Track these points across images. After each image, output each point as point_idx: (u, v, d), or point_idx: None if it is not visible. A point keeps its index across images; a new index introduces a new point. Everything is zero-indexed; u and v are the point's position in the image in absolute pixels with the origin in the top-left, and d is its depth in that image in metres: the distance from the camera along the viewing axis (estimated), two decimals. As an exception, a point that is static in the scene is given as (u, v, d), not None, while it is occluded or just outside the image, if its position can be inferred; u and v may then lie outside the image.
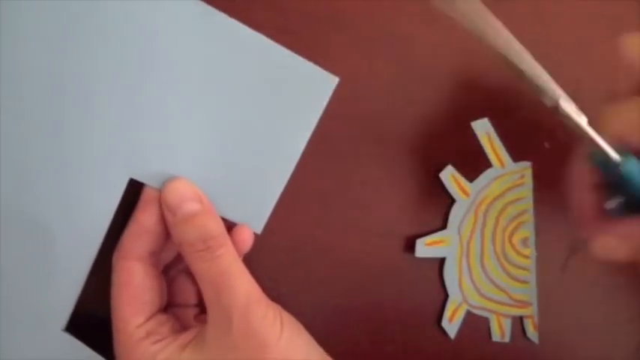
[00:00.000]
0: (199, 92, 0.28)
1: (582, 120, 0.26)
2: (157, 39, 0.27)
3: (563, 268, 0.37)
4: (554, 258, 0.37)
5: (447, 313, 0.35)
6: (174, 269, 0.30)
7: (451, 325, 0.35)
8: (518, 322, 0.36)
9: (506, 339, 0.36)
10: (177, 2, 0.27)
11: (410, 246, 0.34)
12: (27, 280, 0.27)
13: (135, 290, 0.27)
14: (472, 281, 0.35)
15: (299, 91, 0.29)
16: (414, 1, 0.33)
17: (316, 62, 0.30)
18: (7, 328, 0.27)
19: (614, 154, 0.26)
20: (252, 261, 0.31)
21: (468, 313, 0.35)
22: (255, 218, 0.29)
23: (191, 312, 0.30)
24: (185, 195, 0.27)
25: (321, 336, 0.29)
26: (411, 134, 0.33)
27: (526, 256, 0.36)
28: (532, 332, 0.36)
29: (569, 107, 0.26)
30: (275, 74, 0.28)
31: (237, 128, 0.28)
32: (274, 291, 0.32)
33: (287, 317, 0.27)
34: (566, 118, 0.26)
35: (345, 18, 0.32)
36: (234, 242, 0.28)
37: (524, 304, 0.36)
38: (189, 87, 0.28)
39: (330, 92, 0.29)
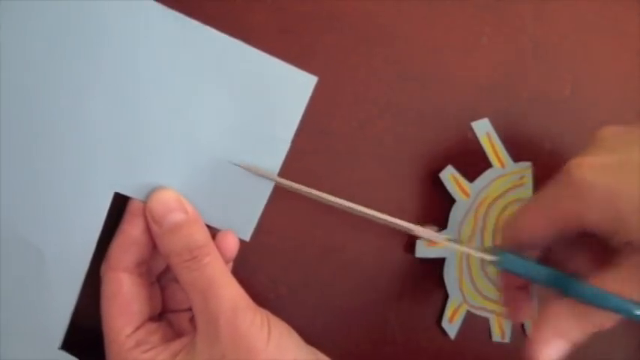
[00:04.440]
0: (181, 102, 0.28)
1: (443, 237, 0.30)
2: (136, 53, 0.27)
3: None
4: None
5: (447, 313, 0.35)
6: (166, 277, 0.30)
7: (451, 325, 0.35)
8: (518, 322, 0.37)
9: (506, 339, 0.36)
10: (153, 14, 0.27)
11: (410, 246, 0.34)
12: (21, 300, 0.27)
13: (123, 300, 0.27)
14: (472, 281, 0.35)
15: (279, 93, 0.29)
16: (414, 1, 0.33)
17: (315, 62, 0.30)
18: (4, 349, 0.27)
19: (488, 257, 0.29)
20: (252, 261, 0.31)
21: (468, 313, 0.35)
22: (243, 225, 0.30)
23: (186, 316, 0.30)
24: (170, 205, 0.27)
25: (321, 336, 0.29)
26: (411, 134, 0.33)
27: (526, 256, 0.36)
28: (532, 332, 0.36)
29: (426, 234, 0.30)
30: (254, 78, 0.29)
31: (220, 135, 0.29)
32: (274, 291, 0.33)
33: (275, 322, 0.27)
34: (430, 240, 0.30)
35: (345, 18, 0.32)
36: (219, 249, 0.28)
37: (524, 304, 0.36)
38: (170, 98, 0.28)
39: (309, 92, 0.29)
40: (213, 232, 0.28)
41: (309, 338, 0.29)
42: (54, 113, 0.27)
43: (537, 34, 0.35)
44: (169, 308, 0.30)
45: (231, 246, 0.28)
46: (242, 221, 0.29)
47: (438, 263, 0.35)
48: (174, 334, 0.29)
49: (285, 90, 0.29)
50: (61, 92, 0.26)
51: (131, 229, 0.27)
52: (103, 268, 0.28)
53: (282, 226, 0.32)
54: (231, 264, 0.30)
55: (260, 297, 0.28)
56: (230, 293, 0.26)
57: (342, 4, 0.32)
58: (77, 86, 0.27)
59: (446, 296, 0.35)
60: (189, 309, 0.30)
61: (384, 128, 0.33)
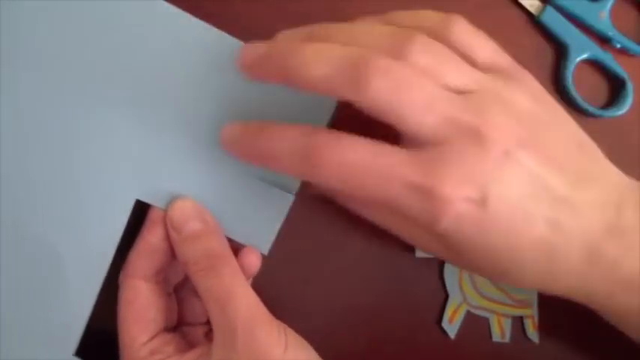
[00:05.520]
0: (205, 112, 0.28)
1: None
2: (156, 60, 0.27)
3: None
4: (554, 258, 0.37)
5: (447, 313, 0.35)
6: (184, 288, 0.31)
7: (451, 325, 0.35)
8: (519, 322, 0.36)
9: (506, 339, 0.36)
10: (167, 19, 0.27)
11: (410, 246, 0.34)
12: (37, 304, 0.27)
13: (140, 308, 0.27)
14: (472, 281, 0.35)
15: (304, 105, 0.28)
16: (414, 2, 0.33)
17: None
18: (18, 354, 0.27)
19: None
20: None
21: (468, 313, 0.35)
22: (261, 239, 0.29)
23: (201, 330, 0.30)
24: (190, 214, 0.27)
25: (322, 336, 0.29)
26: (410, 134, 0.33)
27: (526, 256, 0.36)
28: (532, 332, 0.36)
29: None
30: (278, 94, 0.28)
31: None
32: (274, 291, 0.33)
33: (292, 334, 0.27)
34: None
35: (345, 18, 0.32)
36: (242, 265, 0.28)
37: (524, 304, 0.36)
38: (192, 107, 0.28)
39: (331, 112, 0.29)
40: (232, 244, 0.29)
41: (310, 338, 0.29)
42: (76, 118, 0.27)
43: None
44: (185, 321, 0.30)
45: (254, 263, 0.29)
46: (261, 235, 0.29)
47: (438, 263, 0.35)
48: (188, 346, 0.29)
49: (309, 106, 0.28)
50: (82, 97, 0.27)
51: (151, 237, 0.28)
52: (122, 274, 0.28)
53: (282, 225, 0.32)
54: (250, 280, 0.30)
55: (261, 296, 0.28)
56: (248, 303, 0.26)
57: (342, 4, 0.32)
58: (99, 93, 0.27)
59: (446, 296, 0.35)
60: (206, 323, 0.31)
61: (385, 128, 0.33)
